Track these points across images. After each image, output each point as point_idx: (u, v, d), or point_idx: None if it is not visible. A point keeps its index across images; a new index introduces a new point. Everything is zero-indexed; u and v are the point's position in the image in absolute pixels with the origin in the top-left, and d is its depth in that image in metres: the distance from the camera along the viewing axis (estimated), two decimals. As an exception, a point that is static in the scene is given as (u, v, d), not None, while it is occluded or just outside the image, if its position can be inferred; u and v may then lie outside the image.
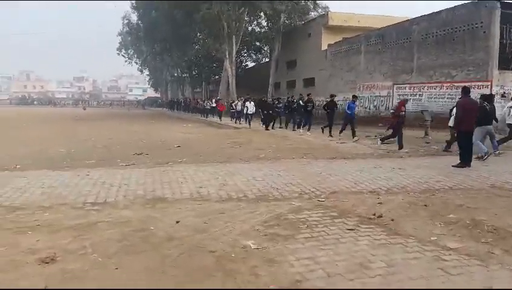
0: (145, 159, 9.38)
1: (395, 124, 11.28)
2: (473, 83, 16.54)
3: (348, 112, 13.99)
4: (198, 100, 38.80)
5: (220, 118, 26.94)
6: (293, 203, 5.28)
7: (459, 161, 8.18)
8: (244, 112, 22.34)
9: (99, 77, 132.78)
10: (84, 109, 56.89)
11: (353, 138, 13.48)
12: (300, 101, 17.77)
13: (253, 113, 21.65)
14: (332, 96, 16.07)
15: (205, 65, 46.12)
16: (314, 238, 3.94)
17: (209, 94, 49.18)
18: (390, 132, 11.87)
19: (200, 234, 4.02)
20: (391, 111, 13.13)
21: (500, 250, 3.55)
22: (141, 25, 49.04)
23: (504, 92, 15.88)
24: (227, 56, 31.57)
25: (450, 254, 3.52)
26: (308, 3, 32.83)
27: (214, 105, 29.48)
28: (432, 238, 3.93)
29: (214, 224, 4.33)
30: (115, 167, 8.07)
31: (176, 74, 60.57)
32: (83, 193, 5.72)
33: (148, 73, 76.40)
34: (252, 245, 3.71)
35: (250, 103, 21.78)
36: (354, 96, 14.90)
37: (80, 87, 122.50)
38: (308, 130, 16.65)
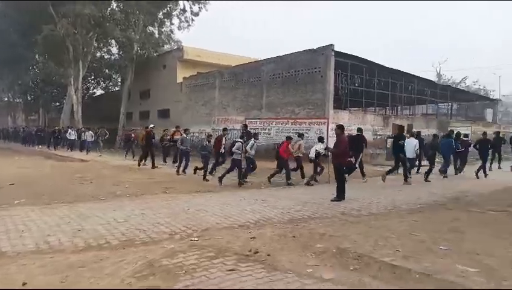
0: (-34, 203, 7.52)
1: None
2: (313, 120, 18.81)
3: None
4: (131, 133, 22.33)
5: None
6: (165, 246, 4.85)
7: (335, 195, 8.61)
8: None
9: None
10: None
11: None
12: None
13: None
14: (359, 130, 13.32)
15: (44, 90, 41.04)
16: (195, 285, 3.63)
17: (49, 122, 43.78)
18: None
19: (57, 298, 3.28)
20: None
21: (368, 277, 3.87)
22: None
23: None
24: (72, 82, 28.67)
25: (327, 286, 3.67)
26: (162, 36, 32.73)
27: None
28: (308, 270, 4.06)
29: (73, 282, 3.61)
30: None
31: (6, 99, 52.31)
32: None
33: (-33, 96, 64.32)
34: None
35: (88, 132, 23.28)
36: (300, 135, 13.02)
37: None
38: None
